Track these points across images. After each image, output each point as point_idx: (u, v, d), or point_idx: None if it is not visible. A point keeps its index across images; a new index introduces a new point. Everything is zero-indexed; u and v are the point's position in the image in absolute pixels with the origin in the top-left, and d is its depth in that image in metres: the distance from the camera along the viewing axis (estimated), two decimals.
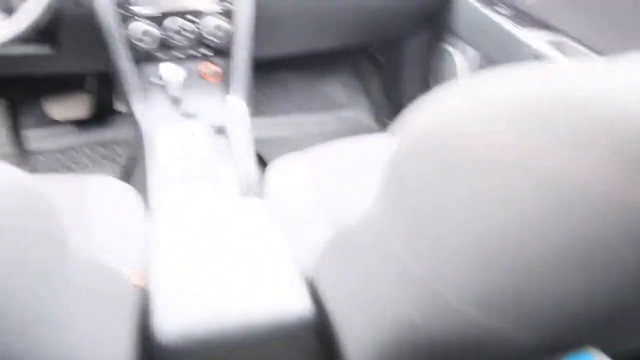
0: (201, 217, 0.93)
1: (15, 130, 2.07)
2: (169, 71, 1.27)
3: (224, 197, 1.26)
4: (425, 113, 0.56)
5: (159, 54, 1.42)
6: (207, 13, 1.36)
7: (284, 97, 2.18)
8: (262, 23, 1.44)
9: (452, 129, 0.51)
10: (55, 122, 2.07)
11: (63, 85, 2.01)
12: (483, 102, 0.51)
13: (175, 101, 1.28)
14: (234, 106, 1.16)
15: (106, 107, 2.08)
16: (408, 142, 0.57)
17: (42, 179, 1.29)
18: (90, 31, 1.35)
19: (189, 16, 1.35)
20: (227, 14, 1.37)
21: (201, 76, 1.47)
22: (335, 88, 2.25)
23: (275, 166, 1.22)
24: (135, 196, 1.10)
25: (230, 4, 1.36)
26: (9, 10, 1.18)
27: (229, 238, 0.87)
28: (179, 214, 0.94)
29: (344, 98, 2.23)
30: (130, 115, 1.44)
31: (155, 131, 1.37)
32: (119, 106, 2.08)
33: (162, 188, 1.26)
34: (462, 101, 0.54)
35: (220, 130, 1.42)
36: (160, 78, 1.36)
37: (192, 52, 1.43)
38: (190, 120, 1.39)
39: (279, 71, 2.13)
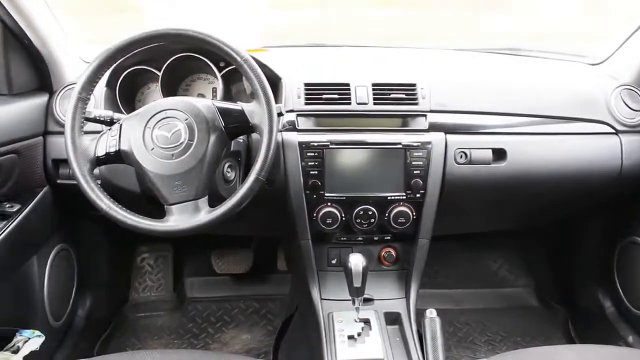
0: None
1: (178, 277, 2.17)
2: (354, 260, 1.26)
3: None
4: None
5: (340, 237, 1.43)
6: (393, 201, 1.36)
7: (444, 271, 2.11)
8: (444, 211, 1.41)
9: None
10: (215, 274, 2.14)
11: (230, 242, 2.11)
12: None
13: (356, 291, 1.26)
14: (429, 316, 1.12)
15: (267, 265, 2.14)
16: None
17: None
18: (274, 205, 1.39)
19: (373, 201, 1.37)
20: (412, 202, 1.37)
21: (379, 261, 1.45)
22: (498, 264, 2.15)
23: None
24: None
25: (417, 194, 1.36)
26: (229, 182, 1.26)
27: None
28: None
29: (506, 275, 2.12)
30: (299, 286, 1.43)
31: (331, 315, 1.34)
32: (280, 265, 2.13)
33: None
34: None
35: (395, 320, 1.36)
36: (342, 264, 1.35)
37: (372, 236, 1.43)
38: (366, 306, 1.35)
39: (442, 242, 2.08)
